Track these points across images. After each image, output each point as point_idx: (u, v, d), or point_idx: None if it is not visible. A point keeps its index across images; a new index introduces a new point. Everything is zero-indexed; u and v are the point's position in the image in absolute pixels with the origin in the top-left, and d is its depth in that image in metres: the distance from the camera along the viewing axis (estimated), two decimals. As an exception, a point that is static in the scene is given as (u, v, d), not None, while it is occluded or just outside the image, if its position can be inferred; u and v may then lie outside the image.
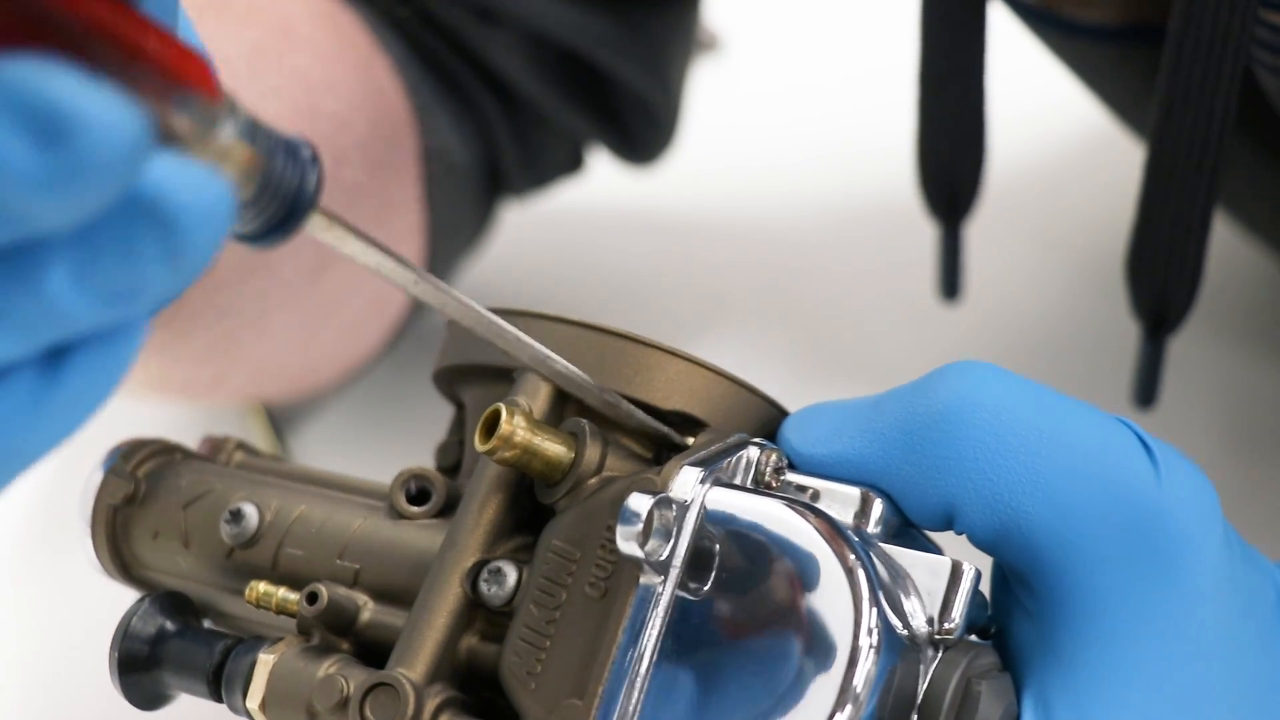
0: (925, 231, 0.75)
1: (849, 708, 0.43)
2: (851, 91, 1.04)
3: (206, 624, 0.53)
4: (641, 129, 0.82)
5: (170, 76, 0.32)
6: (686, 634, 0.44)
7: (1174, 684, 0.44)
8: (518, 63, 0.77)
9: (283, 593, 0.50)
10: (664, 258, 0.92)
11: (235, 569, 0.51)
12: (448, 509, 0.50)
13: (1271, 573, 0.47)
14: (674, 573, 0.45)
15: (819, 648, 0.43)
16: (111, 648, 0.50)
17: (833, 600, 0.44)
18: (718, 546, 0.45)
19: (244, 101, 0.60)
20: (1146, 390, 0.67)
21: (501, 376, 0.51)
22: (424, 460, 0.55)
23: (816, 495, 0.47)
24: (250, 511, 0.51)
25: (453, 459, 0.54)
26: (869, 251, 0.91)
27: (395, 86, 0.74)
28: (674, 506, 0.44)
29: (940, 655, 0.45)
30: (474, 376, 0.52)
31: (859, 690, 0.43)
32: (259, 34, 0.66)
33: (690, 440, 0.48)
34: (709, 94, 1.01)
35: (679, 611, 0.44)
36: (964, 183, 0.69)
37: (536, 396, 0.48)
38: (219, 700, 0.49)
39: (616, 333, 0.49)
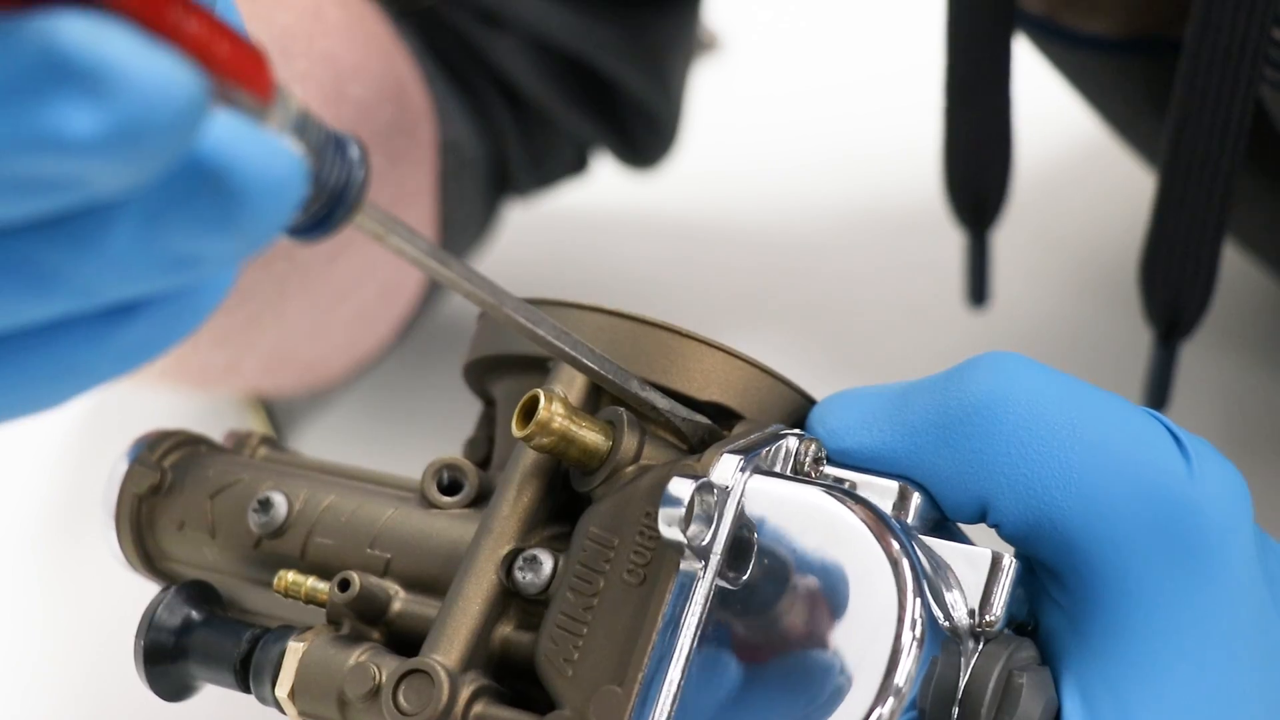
0: (933, 233, 0.76)
1: (890, 701, 0.42)
2: (854, 92, 1.04)
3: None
4: (643, 133, 0.82)
5: (223, 71, 0.31)
6: (726, 622, 0.44)
7: (1211, 675, 0.44)
8: (522, 66, 0.77)
9: (312, 582, 0.49)
10: (669, 260, 0.92)
11: (262, 559, 0.51)
12: (480, 499, 0.50)
13: None
14: (714, 559, 0.44)
15: (861, 639, 0.43)
16: (137, 637, 0.49)
17: (876, 591, 0.43)
18: (757, 535, 0.44)
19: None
20: (1157, 396, 0.67)
21: (534, 366, 0.50)
22: (429, 456, 0.54)
23: (854, 487, 0.47)
24: (279, 500, 0.51)
25: (481, 455, 0.54)
26: (876, 254, 0.91)
27: (415, 78, 0.74)
28: (715, 492, 0.44)
29: (981, 648, 0.45)
30: (506, 368, 0.52)
31: (901, 685, 0.42)
32: (291, 18, 0.65)
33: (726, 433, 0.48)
34: (710, 95, 1.01)
35: (718, 600, 0.44)
36: (991, 191, 0.70)
37: (573, 386, 0.48)
38: (246, 690, 0.48)
39: (653, 323, 0.49)
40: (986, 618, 0.45)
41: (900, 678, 0.42)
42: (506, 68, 0.77)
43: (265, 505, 0.51)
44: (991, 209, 0.70)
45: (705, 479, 0.44)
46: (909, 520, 0.46)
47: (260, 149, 0.32)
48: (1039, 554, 0.46)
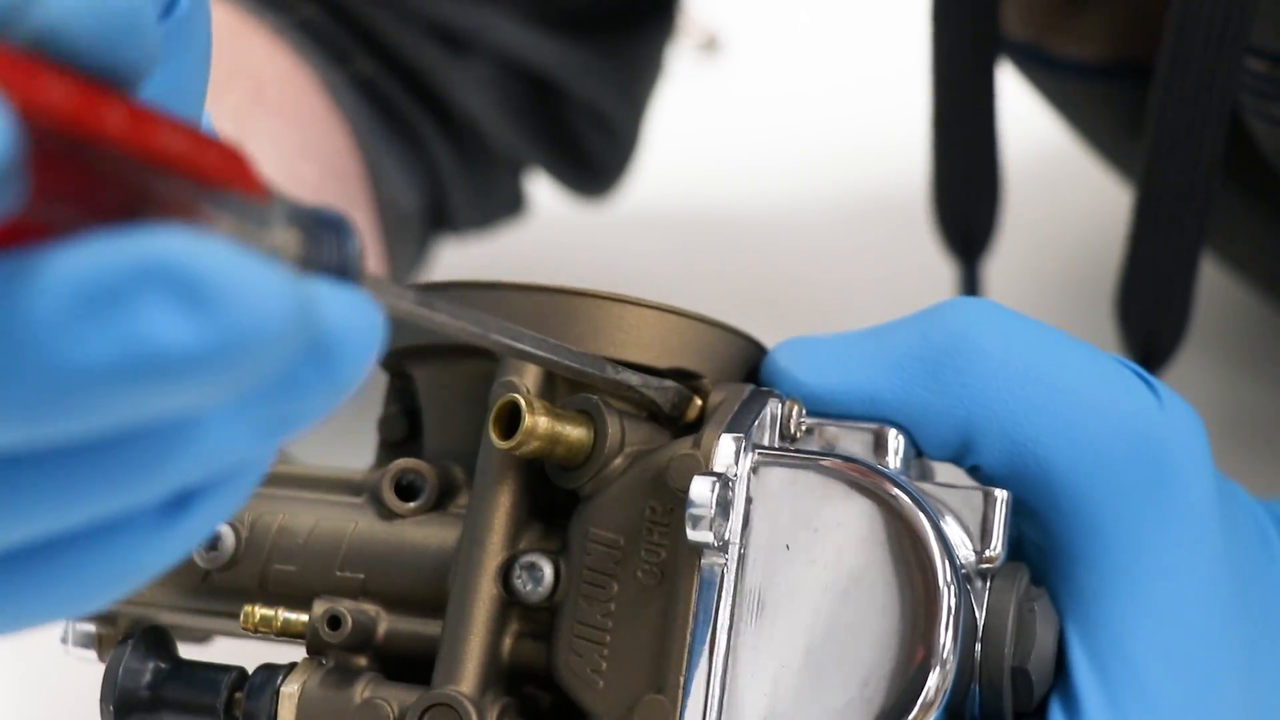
0: (927, 234, 0.75)
1: (938, 669, 0.43)
2: (852, 93, 1.04)
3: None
4: (602, 158, 0.82)
5: (217, 179, 0.29)
6: (759, 610, 0.43)
7: (1189, 599, 0.46)
8: (482, 96, 0.76)
9: (283, 615, 0.47)
10: (664, 259, 0.92)
11: (212, 593, 0.48)
12: (443, 500, 0.48)
13: (1250, 505, 0.49)
14: (734, 549, 0.44)
15: (901, 606, 0.43)
16: (103, 700, 0.46)
17: (907, 555, 0.43)
18: (779, 519, 0.44)
19: None
20: None
21: (458, 351, 0.48)
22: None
23: (834, 437, 0.47)
24: (225, 531, 0.48)
25: (401, 432, 0.51)
26: (870, 254, 0.91)
27: (349, 144, 0.72)
28: (731, 484, 0.43)
29: (990, 584, 0.45)
30: (427, 354, 0.49)
31: (948, 646, 0.43)
32: (237, 100, 0.63)
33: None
34: (708, 94, 1.01)
35: (748, 589, 0.43)
36: (980, 224, 0.70)
37: (526, 372, 0.46)
38: (233, 736, 0.46)
39: (598, 295, 0.47)
40: (987, 553, 0.46)
41: (947, 639, 0.43)
42: (463, 99, 0.75)
43: (211, 539, 0.48)
44: (981, 240, 0.70)
45: (722, 475, 0.43)
46: (897, 465, 0.46)
47: (348, 304, 0.30)
48: (1016, 491, 0.46)
